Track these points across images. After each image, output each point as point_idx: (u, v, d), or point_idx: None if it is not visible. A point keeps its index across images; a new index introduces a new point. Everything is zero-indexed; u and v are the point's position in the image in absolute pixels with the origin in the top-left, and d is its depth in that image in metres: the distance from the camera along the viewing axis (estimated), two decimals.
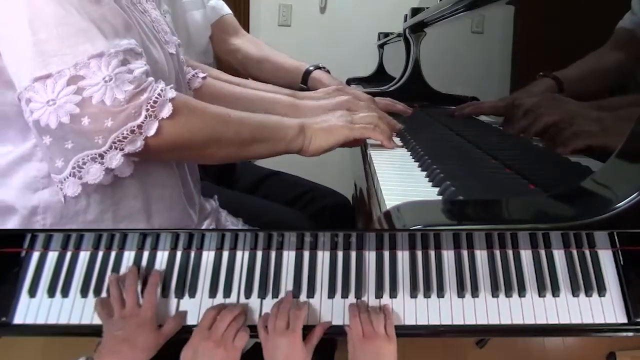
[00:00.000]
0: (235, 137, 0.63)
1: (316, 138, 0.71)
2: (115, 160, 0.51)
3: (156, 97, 0.52)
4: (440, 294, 0.74)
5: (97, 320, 0.72)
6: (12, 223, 0.59)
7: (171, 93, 0.55)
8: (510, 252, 0.77)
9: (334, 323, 0.73)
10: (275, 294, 0.75)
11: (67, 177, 0.51)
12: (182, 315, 0.74)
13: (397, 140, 0.84)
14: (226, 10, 1.24)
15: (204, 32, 1.19)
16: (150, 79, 0.54)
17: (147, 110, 0.51)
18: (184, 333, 0.72)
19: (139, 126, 0.51)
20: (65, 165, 0.51)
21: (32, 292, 0.76)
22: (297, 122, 0.71)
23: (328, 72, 1.19)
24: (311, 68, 1.17)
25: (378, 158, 0.74)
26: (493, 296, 0.73)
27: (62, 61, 0.48)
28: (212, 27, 1.22)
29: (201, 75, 0.86)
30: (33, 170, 0.57)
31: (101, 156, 0.50)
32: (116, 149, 0.50)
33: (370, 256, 0.78)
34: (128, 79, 0.51)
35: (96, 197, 0.59)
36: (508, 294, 0.73)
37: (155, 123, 0.52)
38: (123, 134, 0.50)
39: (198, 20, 1.18)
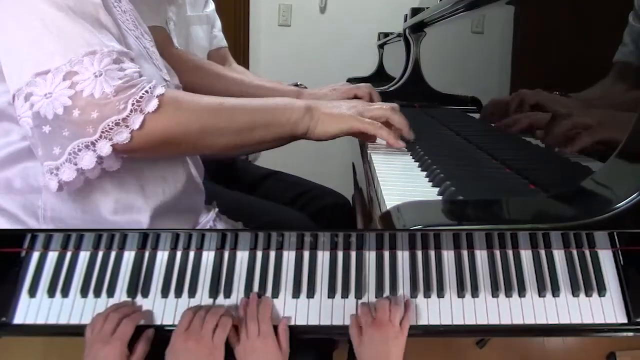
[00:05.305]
0: (231, 124, 0.63)
1: (323, 122, 0.69)
2: (105, 148, 0.53)
3: (143, 93, 0.55)
4: (440, 294, 0.74)
5: None
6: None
7: (160, 90, 0.56)
8: (510, 252, 0.77)
9: (334, 323, 0.73)
10: (275, 294, 0.75)
11: (64, 163, 0.54)
12: (149, 335, 0.72)
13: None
14: (224, 43, 1.32)
15: (201, 52, 1.22)
16: (143, 78, 0.57)
17: (133, 104, 0.54)
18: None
19: (124, 119, 0.53)
20: (62, 152, 0.53)
21: (32, 292, 0.76)
22: (303, 104, 0.70)
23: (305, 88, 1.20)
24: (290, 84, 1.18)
25: (378, 158, 0.74)
26: (493, 296, 0.73)
27: (59, 58, 0.52)
28: (210, 52, 1.26)
29: None
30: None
31: (93, 144, 0.53)
32: (105, 138, 0.53)
33: (370, 256, 0.78)
34: (118, 75, 0.54)
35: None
36: (508, 294, 0.73)
37: (141, 117, 0.54)
38: (109, 125, 0.53)
39: (201, 38, 1.22)
